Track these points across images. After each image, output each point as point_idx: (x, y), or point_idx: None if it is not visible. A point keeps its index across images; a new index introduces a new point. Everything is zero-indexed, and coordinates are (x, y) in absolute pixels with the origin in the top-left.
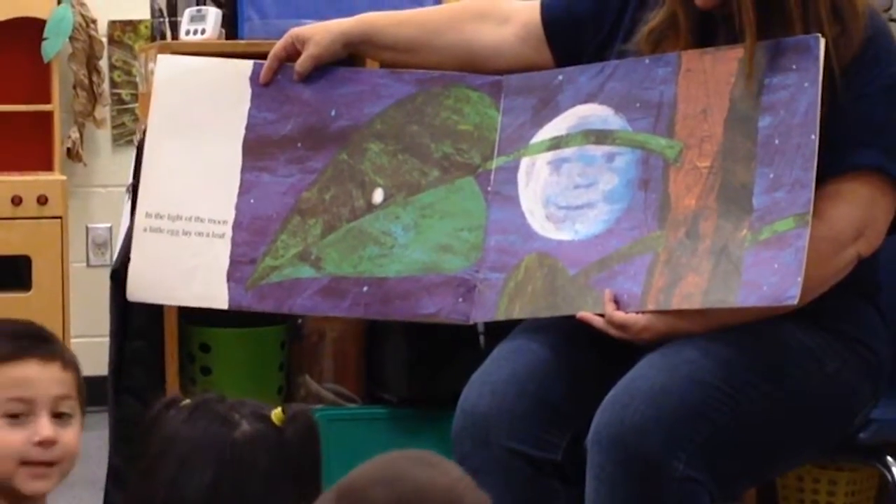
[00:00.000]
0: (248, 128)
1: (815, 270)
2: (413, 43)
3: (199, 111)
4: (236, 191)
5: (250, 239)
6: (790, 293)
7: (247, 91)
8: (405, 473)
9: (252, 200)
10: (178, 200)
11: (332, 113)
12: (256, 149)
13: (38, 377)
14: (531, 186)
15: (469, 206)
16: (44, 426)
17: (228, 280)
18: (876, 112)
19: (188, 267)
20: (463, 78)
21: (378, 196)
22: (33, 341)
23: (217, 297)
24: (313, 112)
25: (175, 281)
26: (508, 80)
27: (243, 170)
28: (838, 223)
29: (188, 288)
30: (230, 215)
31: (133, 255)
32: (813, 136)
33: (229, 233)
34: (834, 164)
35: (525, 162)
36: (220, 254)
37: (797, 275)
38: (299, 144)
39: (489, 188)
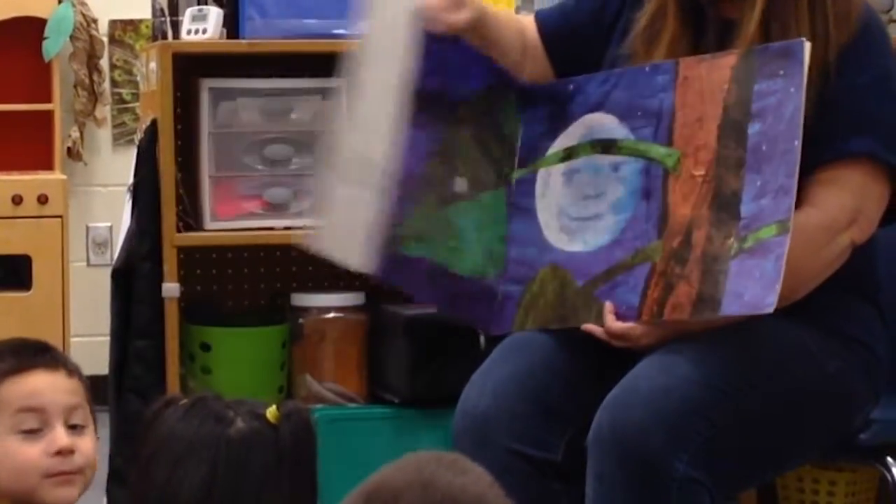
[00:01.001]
0: (414, 73)
1: (809, 259)
2: (510, 47)
3: (397, 42)
4: (400, 145)
5: (398, 201)
6: (768, 300)
7: (419, 32)
8: (437, 479)
9: (404, 158)
10: (374, 147)
11: (453, 85)
12: (412, 101)
13: (46, 386)
14: (547, 198)
15: (498, 217)
16: (60, 436)
17: (379, 244)
18: (869, 101)
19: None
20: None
21: (461, 186)
22: (35, 352)
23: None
24: (444, 79)
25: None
26: (529, 90)
27: (405, 122)
28: (832, 210)
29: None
30: (395, 171)
31: (329, 207)
32: (796, 143)
33: (393, 190)
34: (827, 152)
35: (541, 173)
36: (380, 213)
37: (776, 282)
38: (428, 109)
39: (510, 200)
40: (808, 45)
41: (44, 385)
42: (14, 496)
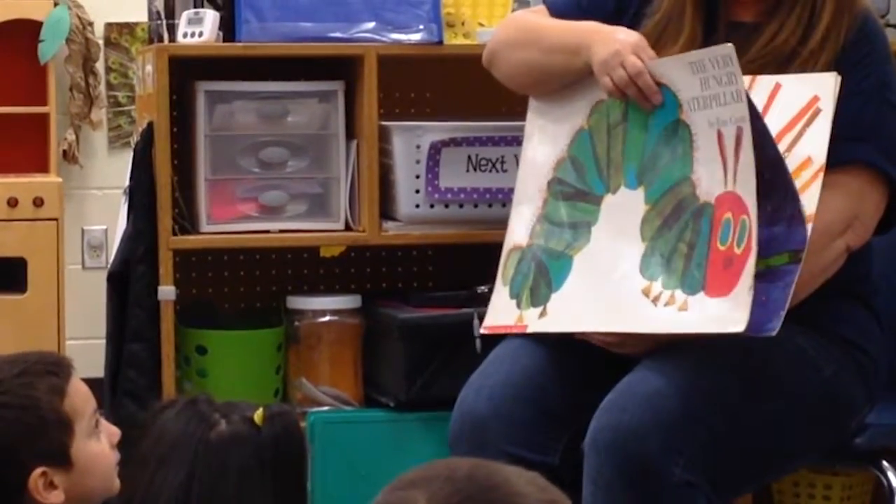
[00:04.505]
0: None
1: (805, 263)
2: None
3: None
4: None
5: None
6: (771, 325)
7: None
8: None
9: None
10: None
11: None
12: None
13: (86, 388)
14: None
15: None
16: (112, 428)
17: None
18: (868, 109)
19: None
20: None
21: None
22: (57, 361)
23: None
24: None
25: None
26: None
27: None
28: (828, 214)
29: None
30: None
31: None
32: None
33: None
34: (826, 157)
35: None
36: None
37: (781, 308)
38: None
39: None
40: (837, 78)
41: (84, 386)
42: (95, 498)
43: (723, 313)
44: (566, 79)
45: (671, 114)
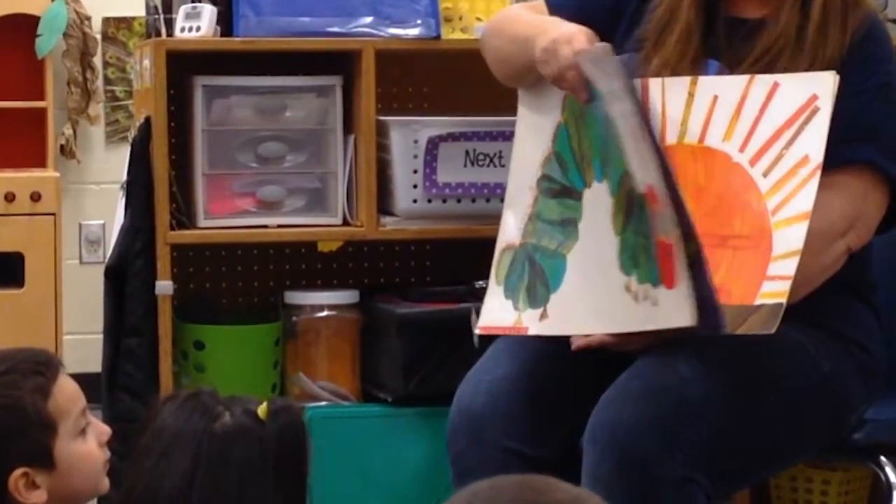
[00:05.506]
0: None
1: (805, 263)
2: None
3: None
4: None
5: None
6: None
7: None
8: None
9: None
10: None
11: None
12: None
13: (75, 386)
14: None
15: None
16: (103, 426)
17: None
18: (871, 109)
19: None
20: None
21: None
22: (47, 359)
23: None
24: None
25: None
26: None
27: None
28: (831, 214)
29: None
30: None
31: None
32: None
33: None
34: (829, 158)
35: None
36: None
37: (714, 306)
38: None
39: None
40: (836, 77)
41: (73, 386)
42: (81, 498)
43: (674, 306)
44: (529, 71)
45: (601, 107)
